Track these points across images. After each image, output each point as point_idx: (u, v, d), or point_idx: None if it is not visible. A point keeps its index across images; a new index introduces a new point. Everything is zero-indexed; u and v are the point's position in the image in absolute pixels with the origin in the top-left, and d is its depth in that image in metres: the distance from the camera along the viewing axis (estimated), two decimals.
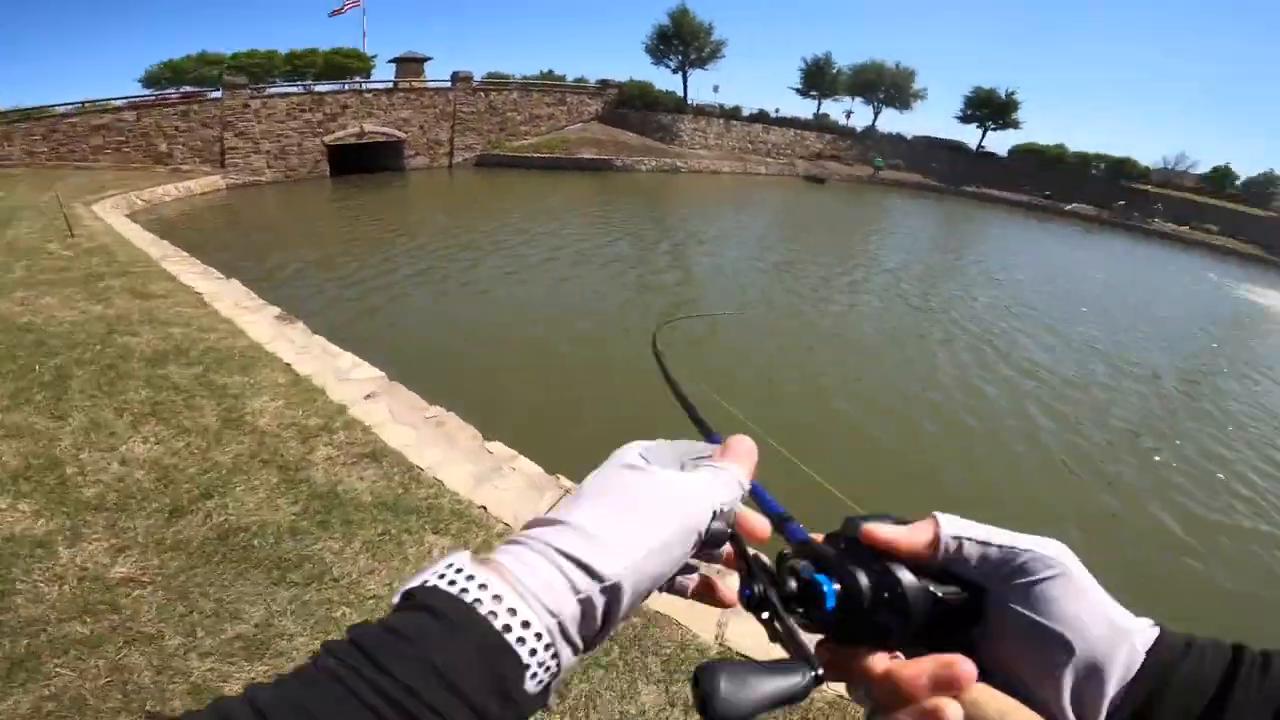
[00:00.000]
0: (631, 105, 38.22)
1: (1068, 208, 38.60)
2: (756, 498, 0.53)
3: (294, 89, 26.28)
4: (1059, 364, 9.45)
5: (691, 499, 0.37)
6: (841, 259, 15.96)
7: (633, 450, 0.41)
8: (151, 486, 3.11)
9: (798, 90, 47.92)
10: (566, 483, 3.58)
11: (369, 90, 27.24)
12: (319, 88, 26.84)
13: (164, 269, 7.81)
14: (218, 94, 22.73)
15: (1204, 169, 43.60)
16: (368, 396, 4.27)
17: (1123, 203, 38.70)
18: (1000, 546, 0.36)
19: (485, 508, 3.22)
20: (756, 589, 0.37)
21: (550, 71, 46.89)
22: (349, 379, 4.57)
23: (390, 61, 34.52)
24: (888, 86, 46.52)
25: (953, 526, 0.38)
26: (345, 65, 36.82)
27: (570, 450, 4.73)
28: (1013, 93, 45.42)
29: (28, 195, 14.57)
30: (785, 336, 9.38)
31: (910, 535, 0.38)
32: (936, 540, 0.37)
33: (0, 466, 3.25)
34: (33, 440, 3.50)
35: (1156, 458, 6.78)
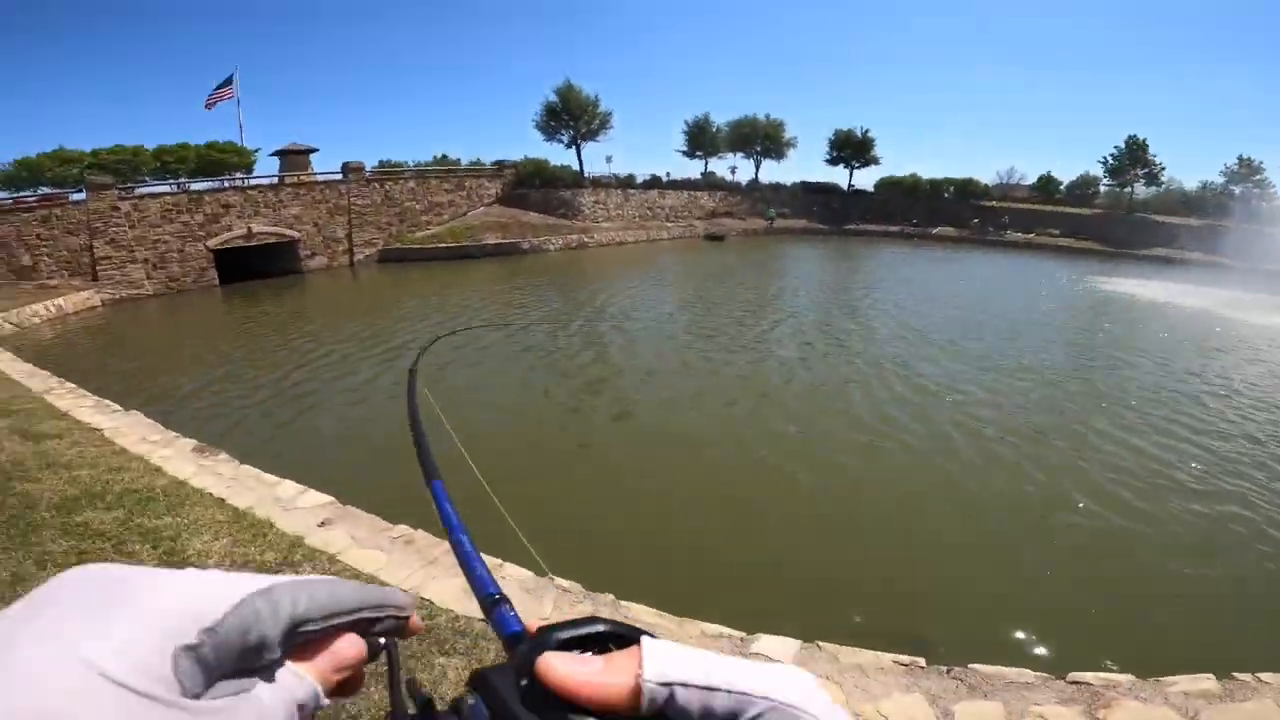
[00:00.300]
0: (530, 184, 39.01)
1: (934, 231, 43.34)
2: (464, 562, 0.48)
3: (166, 188, 24.80)
4: (964, 383, 10.41)
5: None
6: (750, 312, 16.92)
7: (174, 623, 0.26)
8: None
9: (684, 152, 51.10)
10: (564, 583, 3.58)
11: (253, 187, 26.26)
12: (196, 186, 25.45)
13: (51, 404, 7.14)
14: (80, 195, 20.93)
15: (1032, 180, 50.30)
16: (322, 524, 4.10)
17: (976, 220, 43.98)
18: (730, 693, 0.28)
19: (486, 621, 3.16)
20: None
21: (444, 156, 47.61)
22: (296, 508, 4.37)
23: (273, 155, 33.44)
24: (763, 139, 50.29)
25: (662, 666, 0.29)
26: (222, 161, 35.37)
27: (558, 549, 4.55)
28: (867, 130, 50.94)
29: None
30: (704, 396, 9.77)
31: (600, 682, 0.29)
32: (638, 692, 0.28)
33: None
34: None
35: (1080, 462, 7.35)
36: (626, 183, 44.42)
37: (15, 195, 24.56)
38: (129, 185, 23.76)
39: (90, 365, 11.67)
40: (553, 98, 42.53)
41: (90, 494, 4.41)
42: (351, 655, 0.34)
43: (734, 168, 53.67)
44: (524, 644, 0.32)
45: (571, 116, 42.44)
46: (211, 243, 23.52)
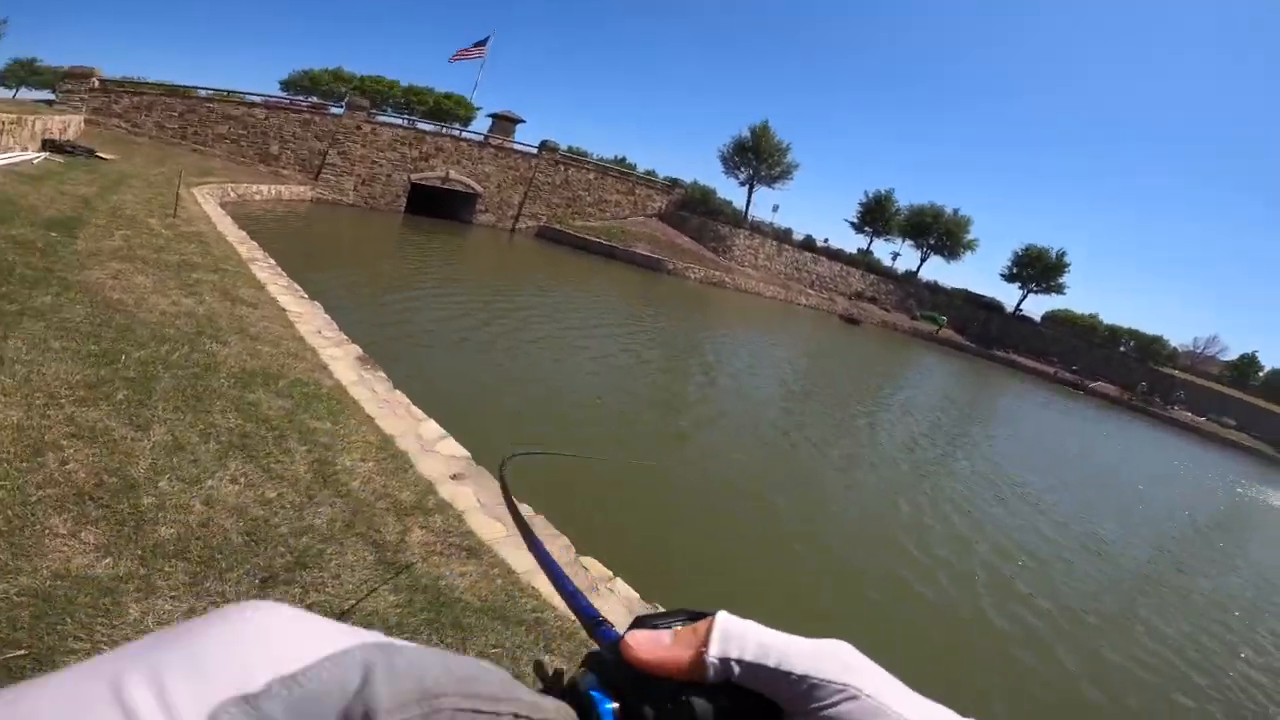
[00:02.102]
0: (693, 208, 39.53)
1: (1092, 385, 38.74)
2: (570, 600, 0.53)
3: (400, 121, 27.84)
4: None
5: None
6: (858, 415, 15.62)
7: (229, 664, 0.20)
8: (240, 541, 2.81)
9: (852, 223, 48.52)
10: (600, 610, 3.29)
11: (464, 139, 28.83)
12: (422, 125, 28.39)
13: (252, 274, 7.86)
14: (338, 110, 24.33)
15: (1232, 354, 43.99)
16: (454, 477, 4.03)
17: (1145, 385, 38.75)
18: (775, 668, 0.30)
19: None
20: None
21: (624, 158, 49.32)
22: (434, 452, 4.34)
23: (489, 115, 36.68)
24: (941, 233, 46.41)
25: (723, 642, 0.31)
26: (451, 111, 39.25)
27: (664, 577, 4.65)
28: (1063, 254, 45.18)
29: (142, 165, 15.22)
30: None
31: (669, 654, 0.32)
32: (700, 662, 0.31)
33: (65, 477, 2.82)
34: (108, 451, 3.13)
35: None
36: (783, 236, 43.72)
37: (292, 99, 28.97)
38: (375, 111, 26.84)
39: (285, 245, 12.96)
40: (746, 134, 42.47)
41: (267, 374, 4.63)
42: None
43: (896, 254, 50.36)
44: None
45: (757, 157, 42.12)
46: (414, 176, 26.08)
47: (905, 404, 17.67)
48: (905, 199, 47.87)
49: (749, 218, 42.87)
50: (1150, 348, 42.82)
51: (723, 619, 0.32)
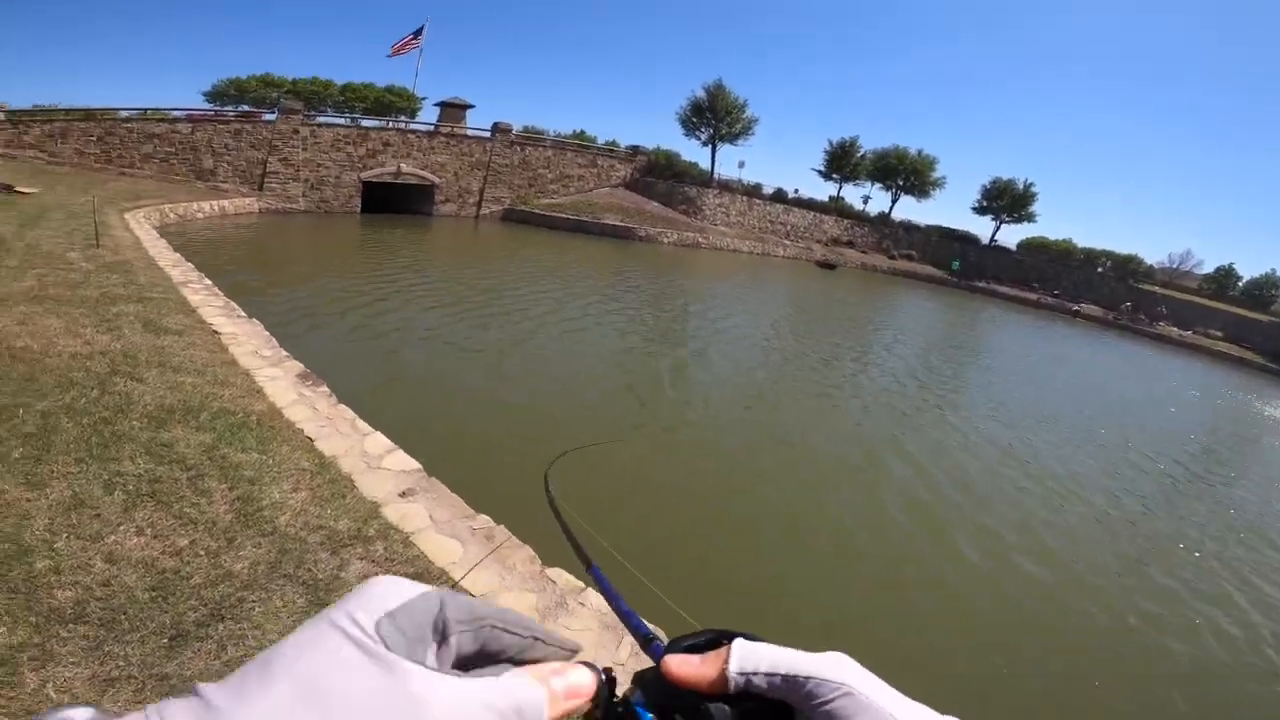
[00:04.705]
0: (658, 173, 38.75)
1: (1075, 308, 38.44)
2: (624, 618, 0.58)
3: (341, 121, 26.74)
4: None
5: None
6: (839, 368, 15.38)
7: (374, 602, 0.33)
8: (146, 597, 2.47)
9: (820, 172, 47.95)
10: (650, 626, 2.94)
11: (412, 131, 27.77)
12: (365, 122, 27.35)
13: (184, 297, 7.33)
14: (271, 116, 23.26)
15: (1208, 268, 43.74)
16: (404, 494, 3.65)
17: (1129, 304, 38.67)
18: (785, 676, 0.37)
19: None
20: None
21: (582, 131, 48.07)
22: (381, 468, 3.95)
23: (436, 104, 35.36)
24: (908, 173, 46.15)
25: (741, 660, 0.38)
26: (393, 103, 37.82)
27: (645, 585, 4.13)
28: (1030, 184, 45.31)
29: (65, 195, 14.34)
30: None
31: (698, 672, 0.39)
32: (724, 677, 0.38)
33: None
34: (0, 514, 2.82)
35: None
36: (752, 191, 43.11)
37: (217, 109, 27.63)
38: (312, 113, 25.71)
39: (230, 261, 12.33)
40: (701, 94, 41.37)
41: (187, 407, 4.20)
42: (585, 683, 0.40)
43: (867, 197, 49.85)
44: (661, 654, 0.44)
45: (715, 116, 41.16)
46: (364, 174, 25.10)
47: (909, 352, 17.43)
48: (870, 144, 47.42)
49: (716, 177, 42.03)
50: (1127, 266, 42.70)
51: (739, 644, 0.39)
